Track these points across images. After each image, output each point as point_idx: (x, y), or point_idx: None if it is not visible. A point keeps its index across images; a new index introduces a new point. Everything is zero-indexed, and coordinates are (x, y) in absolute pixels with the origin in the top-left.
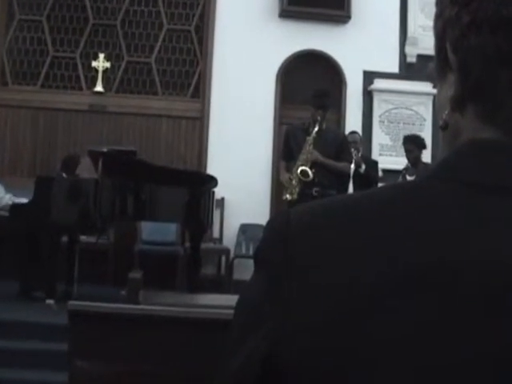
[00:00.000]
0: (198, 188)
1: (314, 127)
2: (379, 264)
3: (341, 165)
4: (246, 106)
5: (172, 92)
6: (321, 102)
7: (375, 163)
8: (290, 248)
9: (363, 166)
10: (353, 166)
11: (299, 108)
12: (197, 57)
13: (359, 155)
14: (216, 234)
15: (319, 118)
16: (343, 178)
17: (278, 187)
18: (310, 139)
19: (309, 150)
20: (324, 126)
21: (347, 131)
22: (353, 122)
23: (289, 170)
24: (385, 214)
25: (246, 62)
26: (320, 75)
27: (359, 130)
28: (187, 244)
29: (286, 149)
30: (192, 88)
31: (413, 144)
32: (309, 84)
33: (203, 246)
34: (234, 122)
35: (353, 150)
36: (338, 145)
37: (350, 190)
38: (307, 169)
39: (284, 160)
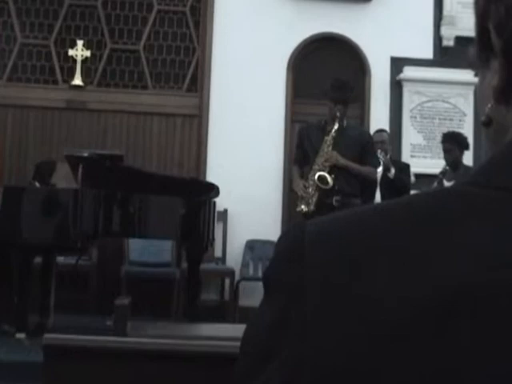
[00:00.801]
0: (196, 198)
1: (333, 125)
2: (410, 285)
3: (365, 169)
4: (251, 102)
5: (164, 85)
6: (340, 96)
7: (407, 166)
8: (306, 268)
9: (392, 170)
10: (380, 169)
11: (315, 103)
12: (193, 43)
13: (388, 157)
14: (218, 252)
15: (339, 114)
16: (368, 184)
17: (291, 197)
18: (328, 139)
19: (327, 152)
20: (345, 123)
21: (372, 129)
22: (379, 118)
23: (303, 176)
24: (415, 227)
25: (252, 48)
26: (339, 63)
27: (386, 127)
28: (184, 265)
29: (299, 151)
30: (188, 80)
31: (453, 143)
32: (326, 74)
33: (203, 266)
34: (238, 119)
35: (380, 151)
36: (362, 145)
37: (378, 198)
38: (326, 174)
39: (297, 165)
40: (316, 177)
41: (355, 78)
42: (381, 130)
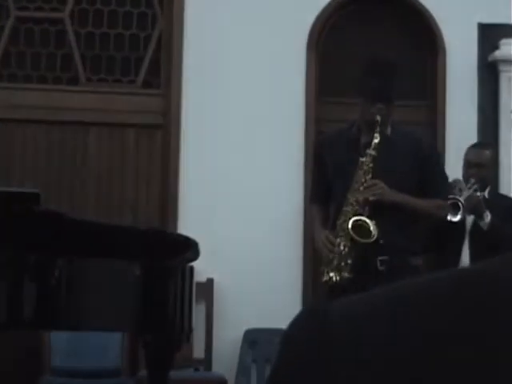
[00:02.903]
0: (161, 263)
1: (372, 137)
2: None
3: (431, 205)
4: (250, 102)
5: (106, 77)
6: (380, 87)
7: None
8: (329, 377)
9: (487, 217)
10: (459, 217)
11: (354, 103)
12: (153, 8)
13: (482, 194)
14: (199, 351)
15: (378, 118)
16: (437, 231)
17: (316, 256)
18: (366, 161)
19: (366, 184)
20: (389, 130)
21: (451, 142)
22: (460, 123)
23: (327, 220)
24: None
25: (251, 16)
26: (394, 37)
27: (473, 137)
28: (143, 372)
29: (319, 179)
30: (145, 69)
31: None
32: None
33: (175, 374)
34: (229, 132)
35: (472, 181)
36: (420, 161)
37: (466, 258)
38: (365, 219)
39: (318, 202)
40: (350, 224)
41: (421, 59)
42: (482, 145)
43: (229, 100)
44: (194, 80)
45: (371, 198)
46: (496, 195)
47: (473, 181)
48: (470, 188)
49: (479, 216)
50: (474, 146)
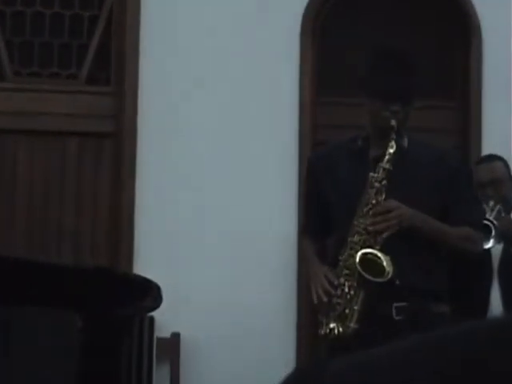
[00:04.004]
0: (110, 311)
1: (387, 146)
2: None
3: (461, 233)
4: (228, 103)
5: (39, 71)
6: (394, 84)
7: None
8: None
9: None
10: (492, 242)
11: (362, 104)
12: None
13: (510, 216)
14: None
15: (394, 123)
16: (462, 266)
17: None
18: (378, 177)
19: (380, 206)
20: (406, 141)
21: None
22: (499, 133)
23: (324, 255)
24: None
25: None
26: (412, 17)
27: None
28: None
29: (312, 205)
30: (90, 61)
31: None
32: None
33: None
34: (200, 141)
35: (492, 203)
36: (446, 180)
37: (496, 303)
38: (377, 253)
39: (309, 232)
40: (358, 258)
41: (449, 47)
42: (491, 158)
43: (201, 100)
44: (155, 74)
45: (385, 234)
46: None
47: (492, 203)
48: (492, 210)
49: (510, 240)
50: (480, 162)
